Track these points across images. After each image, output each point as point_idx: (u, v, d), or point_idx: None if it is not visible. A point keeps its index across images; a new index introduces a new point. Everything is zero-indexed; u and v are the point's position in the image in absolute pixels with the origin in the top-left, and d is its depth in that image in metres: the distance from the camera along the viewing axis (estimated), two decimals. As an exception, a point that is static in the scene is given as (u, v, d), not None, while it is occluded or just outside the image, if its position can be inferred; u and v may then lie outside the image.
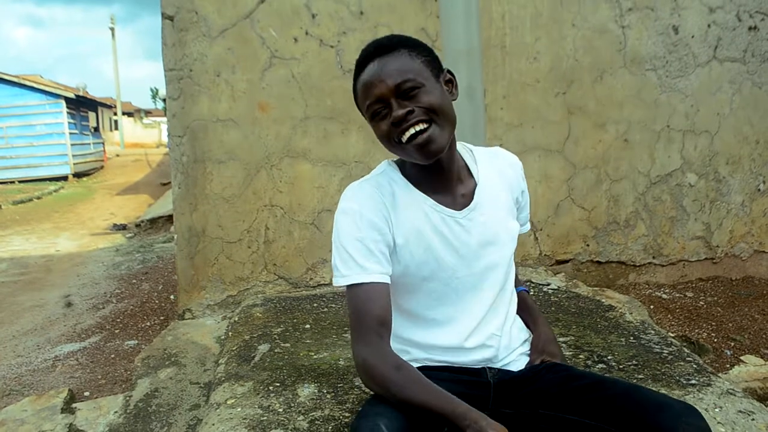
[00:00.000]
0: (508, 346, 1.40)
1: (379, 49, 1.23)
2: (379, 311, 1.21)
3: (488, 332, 1.35)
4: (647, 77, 3.90)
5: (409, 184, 1.30)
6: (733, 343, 3.26)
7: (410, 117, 1.18)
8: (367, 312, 1.20)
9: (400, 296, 1.33)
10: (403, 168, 1.33)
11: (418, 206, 1.28)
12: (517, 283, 1.54)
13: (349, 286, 1.22)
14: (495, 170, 1.40)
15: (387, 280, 1.23)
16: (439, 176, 1.30)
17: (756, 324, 3.52)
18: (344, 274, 1.22)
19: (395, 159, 1.36)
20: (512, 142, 3.62)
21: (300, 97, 3.35)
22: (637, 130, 3.93)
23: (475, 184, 1.35)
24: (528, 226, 1.53)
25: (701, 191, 4.15)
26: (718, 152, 4.14)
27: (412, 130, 1.19)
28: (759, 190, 4.28)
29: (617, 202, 3.97)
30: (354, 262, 1.21)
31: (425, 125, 1.19)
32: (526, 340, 1.48)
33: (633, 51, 3.85)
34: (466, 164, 1.38)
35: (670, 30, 3.92)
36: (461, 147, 1.40)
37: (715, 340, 3.30)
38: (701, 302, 3.85)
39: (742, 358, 3.06)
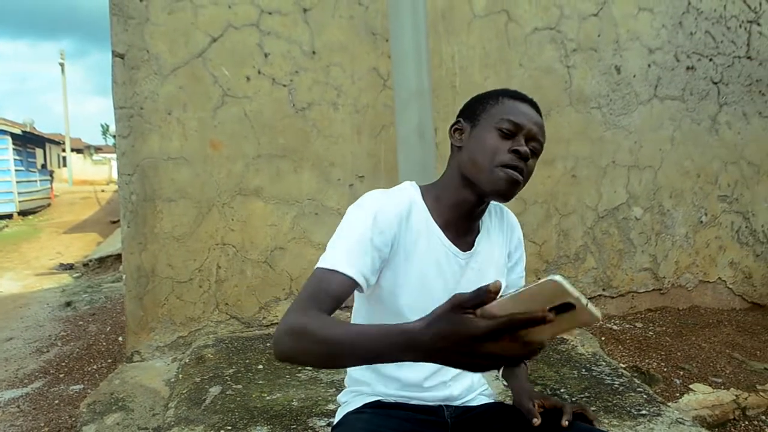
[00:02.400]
0: (470, 387, 1.40)
1: (536, 106, 1.30)
2: (337, 296, 1.12)
3: (452, 373, 1.35)
4: (592, 115, 4.03)
5: (426, 210, 1.30)
6: (682, 372, 3.33)
7: (523, 161, 1.22)
8: (326, 292, 1.11)
9: (376, 314, 1.31)
10: (425, 193, 1.33)
11: (428, 235, 1.28)
12: None
13: (326, 268, 1.15)
14: (498, 226, 1.43)
15: (362, 282, 1.17)
16: (461, 215, 1.31)
17: (703, 352, 3.61)
18: (331, 260, 1.16)
19: (421, 185, 1.37)
20: (464, 179, 3.67)
21: (252, 135, 3.35)
22: (584, 165, 4.05)
23: (478, 232, 1.37)
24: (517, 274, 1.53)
25: (647, 224, 4.27)
26: (662, 186, 4.29)
27: (512, 172, 1.22)
28: (701, 222, 4.44)
29: (567, 236, 4.05)
30: (347, 252, 1.17)
31: (522, 177, 1.24)
32: (486, 384, 1.49)
33: (578, 90, 3.99)
34: None
35: (612, 70, 4.08)
36: None
37: (665, 369, 3.37)
38: (650, 332, 3.93)
39: (691, 386, 3.12)
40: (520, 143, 1.22)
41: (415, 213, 1.27)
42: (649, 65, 4.18)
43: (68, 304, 5.65)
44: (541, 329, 0.73)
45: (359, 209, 1.24)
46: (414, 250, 1.25)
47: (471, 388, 1.41)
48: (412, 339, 0.84)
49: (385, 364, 1.30)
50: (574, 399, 2.27)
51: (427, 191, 1.33)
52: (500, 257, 1.41)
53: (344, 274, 1.14)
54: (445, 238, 1.29)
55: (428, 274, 1.27)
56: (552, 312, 0.72)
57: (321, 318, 1.04)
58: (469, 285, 1.31)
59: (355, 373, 1.32)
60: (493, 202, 1.40)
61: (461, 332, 0.77)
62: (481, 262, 1.35)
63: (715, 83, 4.37)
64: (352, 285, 1.16)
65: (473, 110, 1.31)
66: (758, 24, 4.45)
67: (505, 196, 1.24)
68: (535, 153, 1.25)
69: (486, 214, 1.38)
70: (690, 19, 4.26)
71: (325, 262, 1.16)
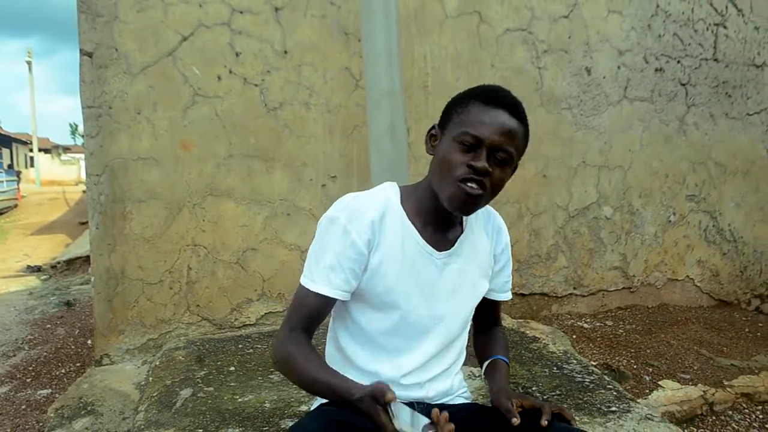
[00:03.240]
0: (447, 392, 1.42)
1: (515, 107, 1.24)
2: (318, 317, 1.28)
3: (428, 375, 1.37)
4: (563, 116, 4.08)
5: (403, 211, 1.31)
6: (651, 369, 3.38)
7: (483, 177, 1.21)
8: (309, 313, 1.27)
9: (359, 311, 1.33)
10: (404, 195, 1.34)
11: (403, 235, 1.29)
12: (498, 351, 1.53)
13: (311, 290, 1.26)
14: (483, 228, 1.43)
15: (343, 297, 1.27)
16: (439, 217, 1.32)
17: (672, 349, 3.67)
18: (314, 280, 1.26)
19: (401, 185, 1.37)
20: (436, 179, 3.68)
21: (223, 135, 3.32)
22: (555, 166, 4.09)
23: (461, 232, 1.37)
24: (508, 295, 1.54)
25: (617, 223, 4.33)
26: (631, 186, 4.35)
27: (472, 186, 1.21)
28: (670, 221, 4.51)
29: (538, 235, 4.09)
30: (327, 274, 1.24)
31: (481, 191, 1.22)
32: (466, 388, 1.50)
33: (549, 91, 4.02)
34: None
35: (583, 71, 4.12)
36: None
37: (635, 366, 3.42)
38: (620, 330, 3.98)
39: (660, 383, 3.17)
40: (478, 157, 1.20)
41: (390, 215, 1.28)
42: (618, 67, 4.23)
43: (68, 303, 5.54)
44: None
45: (332, 224, 1.26)
46: (390, 252, 1.27)
47: (448, 392, 1.42)
48: (349, 403, 1.10)
49: (363, 358, 1.35)
50: (545, 397, 2.29)
51: (407, 192, 1.34)
52: (485, 259, 1.42)
53: (323, 295, 1.24)
54: (421, 239, 1.30)
55: (404, 275, 1.29)
56: None
57: (303, 350, 1.23)
58: (447, 284, 1.34)
59: (333, 366, 1.33)
60: None
61: (369, 414, 1.05)
62: (463, 263, 1.36)
63: (683, 85, 4.45)
64: (332, 302, 1.27)
65: (444, 116, 1.31)
66: (724, 27, 4.53)
67: (462, 210, 1.26)
68: (504, 162, 1.23)
69: (471, 215, 1.38)
70: (658, 21, 4.32)
71: (306, 280, 1.27)
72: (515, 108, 1.24)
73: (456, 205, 1.23)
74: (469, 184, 1.20)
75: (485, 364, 1.49)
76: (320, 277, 1.24)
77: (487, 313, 1.55)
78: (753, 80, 4.67)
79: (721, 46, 4.54)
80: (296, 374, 1.23)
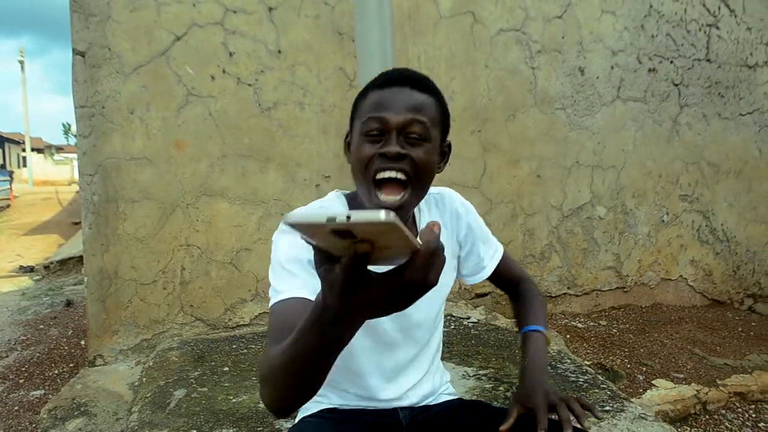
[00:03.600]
0: (430, 393, 1.36)
1: (415, 80, 1.12)
2: (295, 326, 1.07)
3: (408, 384, 1.30)
4: (557, 116, 4.08)
5: None
6: (644, 368, 3.39)
7: (398, 162, 1.08)
8: (284, 325, 0.98)
9: None
10: (352, 204, 1.24)
11: None
12: (529, 318, 1.39)
13: (280, 301, 1.08)
14: (440, 218, 1.32)
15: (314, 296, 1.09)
16: None
17: (665, 349, 3.68)
18: (280, 291, 1.08)
19: (344, 192, 1.28)
20: (431, 179, 3.69)
21: (217, 135, 3.31)
22: (549, 166, 4.09)
23: (414, 233, 1.23)
24: (485, 272, 1.41)
25: (610, 223, 4.34)
26: (625, 186, 4.36)
27: (390, 173, 1.08)
28: (663, 221, 4.52)
29: (532, 235, 4.09)
30: (292, 276, 1.09)
31: (402, 186, 1.09)
32: (449, 382, 1.44)
33: (543, 91, 4.03)
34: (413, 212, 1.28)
35: (576, 71, 4.13)
36: None
37: (628, 366, 3.43)
38: (614, 330, 3.99)
39: (653, 382, 3.17)
40: (388, 143, 1.08)
41: None
42: (612, 67, 4.24)
43: (69, 303, 5.52)
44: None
45: (284, 235, 1.14)
46: None
47: (430, 393, 1.36)
48: (320, 304, 0.75)
49: (340, 381, 1.26)
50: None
51: (352, 199, 1.25)
52: (449, 256, 1.27)
53: (294, 298, 1.06)
54: None
55: None
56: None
57: (267, 353, 0.97)
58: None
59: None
60: (431, 191, 1.27)
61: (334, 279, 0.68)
62: None
63: (676, 85, 4.46)
64: (307, 304, 1.00)
65: (351, 116, 1.19)
66: (717, 27, 4.55)
67: (393, 208, 1.07)
68: (422, 139, 1.10)
69: (420, 208, 1.29)
70: (651, 22, 4.34)
71: (274, 296, 1.10)
72: (418, 81, 1.12)
73: (382, 205, 1.09)
74: (383, 175, 1.08)
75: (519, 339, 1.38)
76: (283, 285, 1.09)
77: (498, 282, 1.47)
78: (745, 81, 4.69)
79: (713, 46, 4.56)
80: (279, 366, 0.88)
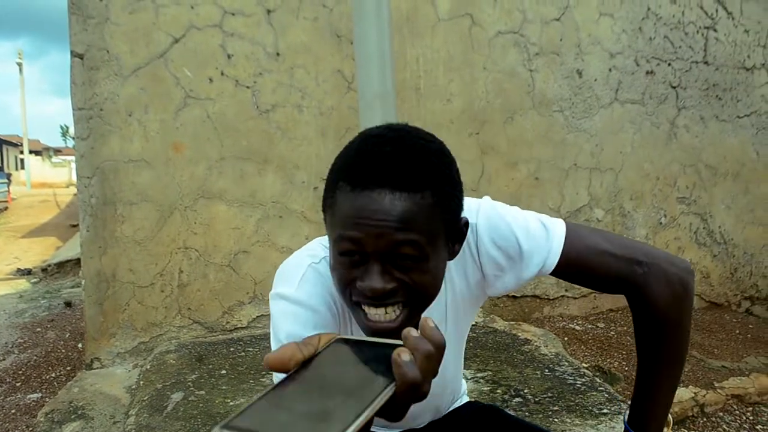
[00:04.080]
0: (451, 402, 1.31)
1: (399, 177, 0.81)
2: None
3: (442, 409, 1.25)
4: (555, 118, 4.09)
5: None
6: (642, 372, 3.38)
7: (389, 298, 0.84)
8: None
9: None
10: None
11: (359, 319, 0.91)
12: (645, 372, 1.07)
13: None
14: (468, 260, 1.03)
15: None
16: None
17: (663, 352, 3.67)
18: None
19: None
20: (429, 181, 3.69)
21: (215, 138, 3.31)
22: (547, 168, 4.10)
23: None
24: (545, 270, 1.02)
25: (608, 225, 4.34)
26: (623, 188, 4.36)
27: (381, 312, 0.85)
28: (661, 223, 4.53)
29: (530, 237, 4.09)
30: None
31: (399, 310, 0.86)
32: (464, 384, 1.38)
33: (541, 93, 4.03)
34: None
35: (574, 74, 4.14)
36: None
37: (626, 368, 3.42)
38: (612, 332, 3.99)
39: (651, 385, 3.17)
40: (368, 275, 0.82)
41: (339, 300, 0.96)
42: (609, 69, 4.25)
43: (68, 304, 5.51)
44: None
45: (292, 306, 0.93)
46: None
47: (450, 404, 1.31)
48: None
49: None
50: (537, 399, 2.29)
51: None
52: (460, 300, 1.06)
53: None
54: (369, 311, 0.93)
55: None
56: None
57: None
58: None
59: None
60: None
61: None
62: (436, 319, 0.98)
63: (674, 87, 4.47)
64: None
65: (323, 196, 0.92)
66: (715, 30, 4.56)
67: (388, 331, 0.85)
68: (415, 260, 0.83)
69: None
70: (649, 24, 4.34)
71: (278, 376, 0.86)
72: (403, 176, 0.81)
73: (362, 326, 0.88)
74: (372, 312, 0.85)
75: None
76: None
77: (589, 284, 1.05)
78: (743, 83, 4.70)
79: (711, 49, 4.56)
80: None
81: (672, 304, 0.98)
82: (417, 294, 0.85)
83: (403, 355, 0.57)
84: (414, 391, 0.57)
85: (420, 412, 1.18)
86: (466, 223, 0.93)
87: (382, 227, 0.79)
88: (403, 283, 0.83)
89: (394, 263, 0.82)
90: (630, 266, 0.98)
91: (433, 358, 0.59)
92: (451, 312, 1.05)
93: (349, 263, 0.84)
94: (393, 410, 0.59)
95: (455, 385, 1.26)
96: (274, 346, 0.94)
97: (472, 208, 1.02)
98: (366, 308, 0.85)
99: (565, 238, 1.00)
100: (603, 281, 1.02)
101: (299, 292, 0.92)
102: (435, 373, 0.60)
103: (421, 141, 0.89)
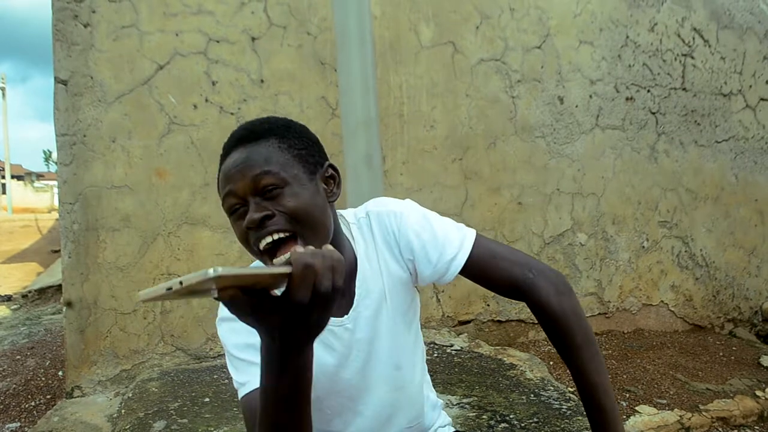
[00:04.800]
0: (427, 428, 1.29)
1: (246, 135, 1.04)
2: None
3: (402, 427, 1.22)
4: (537, 144, 4.13)
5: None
6: (628, 394, 3.39)
7: (268, 223, 0.98)
8: None
9: None
10: None
11: None
12: (573, 359, 1.13)
13: (249, 392, 1.01)
14: (383, 243, 1.17)
15: None
16: None
17: (648, 374, 3.69)
18: (243, 382, 1.02)
19: None
20: (413, 206, 3.70)
21: (199, 164, 3.31)
22: (530, 193, 4.13)
23: (354, 273, 1.13)
24: (452, 271, 1.16)
25: (591, 250, 4.38)
26: (605, 213, 4.41)
27: (269, 239, 0.98)
28: (643, 247, 4.57)
29: (515, 262, 4.11)
30: (249, 365, 1.01)
31: (293, 239, 0.99)
32: (441, 410, 1.36)
33: (523, 119, 4.08)
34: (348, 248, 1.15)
35: (556, 100, 4.20)
36: (341, 222, 1.17)
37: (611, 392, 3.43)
38: (597, 356, 3.99)
39: (637, 408, 3.18)
40: (249, 215, 0.98)
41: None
42: (590, 96, 4.31)
43: (69, 304, 5.42)
44: None
45: (226, 324, 1.07)
46: None
47: (427, 428, 1.30)
48: (271, 340, 0.79)
49: None
50: (523, 425, 2.28)
51: None
52: (396, 279, 1.16)
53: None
54: None
55: (318, 355, 1.00)
56: None
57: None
58: (370, 343, 1.14)
59: None
60: (360, 215, 1.20)
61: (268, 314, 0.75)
62: (373, 304, 1.13)
63: (653, 113, 4.54)
64: None
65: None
66: (692, 57, 4.66)
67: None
68: (277, 187, 0.99)
69: (354, 237, 1.16)
70: (628, 52, 4.43)
71: (240, 389, 1.03)
72: (249, 134, 1.04)
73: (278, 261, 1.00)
74: (263, 243, 0.99)
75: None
76: (243, 376, 1.02)
77: (487, 284, 1.20)
78: (720, 109, 4.79)
79: (689, 75, 4.66)
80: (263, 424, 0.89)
81: (563, 298, 1.12)
82: (298, 221, 0.99)
83: (297, 247, 0.70)
84: (306, 279, 0.70)
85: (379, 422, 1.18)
86: (331, 165, 1.11)
87: (241, 170, 0.99)
88: (279, 211, 0.98)
89: (264, 197, 0.99)
90: (523, 271, 1.14)
91: (324, 255, 0.72)
92: (389, 293, 1.15)
93: (239, 217, 1.00)
94: (295, 292, 0.71)
95: (413, 389, 1.23)
96: (231, 369, 1.06)
97: (398, 202, 1.22)
98: (261, 247, 0.99)
99: (475, 239, 1.17)
100: (503, 281, 1.16)
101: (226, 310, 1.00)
102: (334, 277, 0.72)
103: (271, 117, 1.12)
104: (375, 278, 1.14)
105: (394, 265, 1.16)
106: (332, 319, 1.05)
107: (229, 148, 1.05)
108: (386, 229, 1.16)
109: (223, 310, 1.06)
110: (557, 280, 1.14)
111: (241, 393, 1.03)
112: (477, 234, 1.19)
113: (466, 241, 1.16)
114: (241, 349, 1.04)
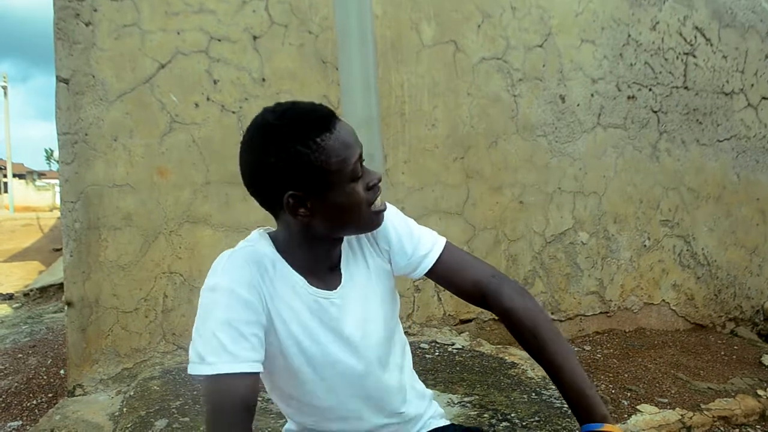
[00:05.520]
0: (415, 417, 1.30)
1: (333, 112, 1.11)
2: (245, 405, 1.00)
3: (389, 411, 1.25)
4: (538, 143, 4.13)
5: (283, 260, 1.14)
6: (629, 393, 3.39)
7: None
8: (232, 406, 0.99)
9: (286, 384, 1.18)
10: (276, 241, 1.17)
11: (293, 286, 1.13)
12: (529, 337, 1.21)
13: (214, 376, 0.99)
14: (357, 239, 1.26)
15: (258, 368, 1.03)
16: (323, 257, 1.18)
17: (649, 373, 3.69)
18: (210, 362, 0.98)
19: (267, 230, 1.21)
20: (414, 206, 3.71)
21: (201, 162, 3.31)
22: (531, 192, 4.13)
23: (339, 256, 1.21)
24: (434, 252, 1.25)
25: (593, 249, 4.37)
26: (606, 212, 4.41)
27: (379, 203, 1.14)
28: (645, 246, 4.57)
29: (515, 261, 4.11)
30: (223, 348, 0.99)
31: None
32: (431, 401, 1.38)
33: (524, 118, 4.08)
34: None
35: (557, 99, 4.19)
36: None
37: (613, 391, 3.43)
38: (598, 355, 4.00)
39: (638, 407, 3.18)
40: (370, 176, 1.12)
41: (272, 268, 1.12)
42: (592, 95, 4.31)
43: (70, 302, 5.43)
44: None
45: (212, 293, 1.05)
46: (284, 307, 1.11)
47: (416, 418, 1.31)
48: None
49: (320, 423, 1.22)
50: (524, 423, 2.28)
51: (276, 239, 1.18)
52: (378, 268, 1.25)
53: (240, 373, 1.00)
54: (310, 286, 1.14)
55: (309, 327, 1.13)
56: None
57: None
58: (356, 318, 1.19)
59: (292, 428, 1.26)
60: None
61: None
62: (360, 284, 1.21)
63: (655, 112, 4.54)
64: (254, 376, 1.02)
65: (299, 175, 1.06)
66: (694, 56, 4.65)
67: (379, 227, 1.18)
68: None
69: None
70: (630, 50, 4.42)
71: (203, 366, 0.99)
72: (333, 112, 1.11)
73: (376, 227, 1.17)
74: (381, 203, 1.14)
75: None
76: (217, 355, 0.99)
77: (454, 286, 1.27)
78: (722, 107, 4.79)
79: (690, 74, 4.65)
80: None
81: (526, 297, 1.21)
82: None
83: None
84: None
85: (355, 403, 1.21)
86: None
87: (357, 138, 1.10)
88: None
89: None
90: (488, 276, 1.23)
91: None
92: (374, 279, 1.24)
93: (356, 179, 1.08)
94: None
95: (388, 376, 1.25)
96: (198, 340, 1.02)
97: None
98: (380, 213, 1.14)
99: (445, 244, 1.27)
100: (469, 284, 1.24)
101: (221, 278, 1.07)
102: None
103: None
104: (357, 262, 1.23)
105: (373, 254, 1.26)
106: (326, 293, 1.15)
107: (327, 119, 1.07)
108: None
109: (214, 277, 1.07)
110: (517, 285, 1.24)
111: (205, 371, 0.99)
112: (447, 241, 1.29)
113: (438, 243, 1.26)
114: (220, 325, 1.01)
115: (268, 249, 1.15)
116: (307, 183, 1.06)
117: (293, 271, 1.14)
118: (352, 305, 1.19)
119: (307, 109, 1.08)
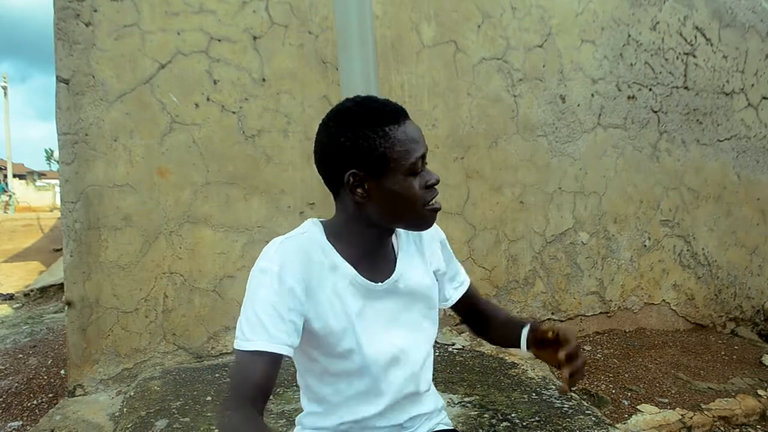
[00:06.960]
0: (430, 414, 1.34)
1: (403, 110, 1.20)
2: (265, 383, 1.08)
3: (405, 416, 1.29)
4: (539, 143, 4.13)
5: (333, 249, 1.20)
6: (629, 393, 3.39)
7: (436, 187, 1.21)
8: (255, 381, 1.07)
9: (320, 356, 1.21)
10: (327, 229, 1.23)
11: (342, 275, 1.19)
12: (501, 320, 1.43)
13: (248, 351, 1.09)
14: (413, 241, 1.34)
15: (289, 352, 1.10)
16: (369, 249, 1.23)
17: (650, 373, 3.69)
18: (249, 338, 1.09)
19: (320, 219, 1.26)
20: (414, 205, 3.70)
21: (201, 163, 3.31)
22: (532, 192, 4.13)
23: (395, 257, 1.28)
24: (461, 288, 1.44)
25: (593, 249, 4.37)
26: (607, 212, 4.40)
27: (437, 201, 1.21)
28: (645, 246, 4.57)
29: (516, 261, 4.11)
30: (263, 327, 1.08)
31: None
32: (443, 407, 1.42)
33: (525, 118, 4.08)
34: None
35: (557, 99, 4.19)
36: None
37: (613, 391, 3.43)
38: (599, 355, 4.00)
39: (638, 407, 3.18)
40: (429, 175, 1.19)
41: (323, 257, 1.19)
42: (592, 95, 4.31)
43: (71, 303, 5.43)
44: None
45: (262, 276, 1.14)
46: (330, 293, 1.17)
47: (430, 415, 1.34)
48: None
49: (340, 403, 1.25)
50: (525, 423, 2.28)
51: (329, 228, 1.24)
52: (425, 274, 1.32)
53: (265, 353, 1.08)
54: (358, 275, 1.20)
55: (350, 316, 1.19)
56: None
57: (232, 419, 1.05)
58: (397, 313, 1.26)
59: (311, 416, 1.29)
60: None
61: None
62: (408, 285, 1.27)
63: (655, 112, 4.54)
64: (278, 359, 1.10)
65: (361, 157, 1.15)
66: (694, 56, 4.65)
67: (430, 226, 1.24)
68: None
69: (397, 233, 1.31)
70: (630, 50, 4.42)
71: (244, 343, 1.10)
72: (403, 109, 1.20)
73: (428, 226, 1.23)
74: (435, 201, 1.20)
75: (521, 340, 1.33)
76: (256, 333, 1.09)
77: (469, 309, 1.48)
78: (722, 107, 4.79)
79: (691, 74, 4.65)
80: None
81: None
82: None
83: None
84: None
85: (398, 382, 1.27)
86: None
87: (422, 137, 1.19)
88: None
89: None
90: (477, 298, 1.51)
91: None
92: (403, 266, 1.29)
93: (414, 174, 1.15)
94: None
95: (415, 355, 1.31)
96: (243, 318, 1.13)
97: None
98: (434, 210, 1.20)
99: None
100: (480, 308, 1.49)
101: (272, 263, 1.15)
102: None
103: None
104: (411, 265, 1.30)
105: (426, 263, 1.35)
106: (373, 285, 1.22)
107: (398, 113, 1.16)
108: (430, 238, 1.38)
109: (265, 261, 1.15)
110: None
111: (244, 346, 1.09)
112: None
113: (466, 275, 1.48)
114: (264, 306, 1.10)
115: (321, 237, 1.21)
116: (368, 165, 1.14)
117: (341, 258, 1.20)
118: (397, 300, 1.26)
119: (382, 102, 1.18)
